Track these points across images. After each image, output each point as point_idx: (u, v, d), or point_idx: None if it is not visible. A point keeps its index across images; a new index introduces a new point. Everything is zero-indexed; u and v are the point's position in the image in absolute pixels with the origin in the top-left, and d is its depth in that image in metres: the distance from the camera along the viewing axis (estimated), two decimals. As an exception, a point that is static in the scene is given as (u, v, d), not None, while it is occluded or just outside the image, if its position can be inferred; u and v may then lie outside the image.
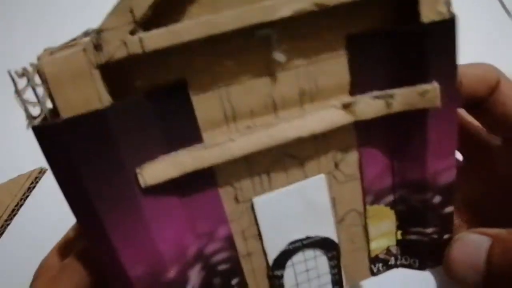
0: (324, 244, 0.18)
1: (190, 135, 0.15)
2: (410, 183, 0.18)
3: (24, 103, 0.13)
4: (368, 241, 0.19)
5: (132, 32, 0.13)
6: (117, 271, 0.15)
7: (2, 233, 0.37)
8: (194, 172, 0.15)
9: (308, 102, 0.16)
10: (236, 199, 0.17)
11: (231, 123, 0.15)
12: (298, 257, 0.18)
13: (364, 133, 0.17)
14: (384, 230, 0.19)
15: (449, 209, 0.18)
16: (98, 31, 0.12)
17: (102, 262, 0.15)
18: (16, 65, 0.13)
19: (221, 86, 0.15)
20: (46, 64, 0.12)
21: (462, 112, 0.23)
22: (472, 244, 0.18)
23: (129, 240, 0.15)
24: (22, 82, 0.13)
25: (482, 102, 0.21)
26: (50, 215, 0.35)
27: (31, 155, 0.38)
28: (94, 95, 0.13)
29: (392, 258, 0.20)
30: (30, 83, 0.13)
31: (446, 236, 0.19)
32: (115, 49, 0.13)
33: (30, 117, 0.13)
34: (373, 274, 0.20)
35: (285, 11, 0.13)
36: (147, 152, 0.14)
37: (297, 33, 0.15)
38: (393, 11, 0.15)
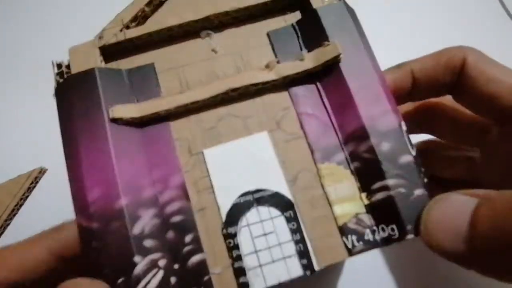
0: (278, 202, 0.19)
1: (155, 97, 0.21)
2: (352, 135, 0.20)
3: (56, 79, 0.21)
4: (330, 206, 0.19)
5: (121, 30, 0.21)
6: (80, 192, 0.18)
7: (2, 233, 0.37)
8: (153, 120, 0.20)
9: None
10: (190, 151, 0.20)
11: (185, 90, 0.21)
12: (252, 215, 0.19)
13: (296, 93, 0.21)
14: (345, 193, 0.19)
15: (406, 157, 0.19)
16: (103, 30, 0.21)
17: (71, 186, 0.18)
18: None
19: (179, 67, 0.21)
20: (71, 48, 0.21)
21: (453, 103, 0.22)
22: (455, 204, 0.16)
23: (94, 165, 0.18)
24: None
25: (453, 88, 0.21)
26: (50, 215, 0.35)
27: (31, 155, 0.38)
28: (93, 61, 0.20)
29: (368, 231, 0.19)
30: (63, 69, 0.21)
31: (418, 192, 0.18)
32: (109, 38, 0.21)
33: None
34: (350, 252, 0.18)
35: (205, 13, 0.21)
36: (120, 103, 0.20)
37: (231, 32, 0.22)
38: (293, 11, 0.23)
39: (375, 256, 0.18)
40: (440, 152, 0.26)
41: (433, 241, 0.16)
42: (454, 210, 0.15)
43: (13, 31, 0.46)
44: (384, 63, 0.21)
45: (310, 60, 0.20)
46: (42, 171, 0.39)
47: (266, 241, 0.18)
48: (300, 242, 0.18)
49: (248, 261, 0.18)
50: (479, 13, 0.38)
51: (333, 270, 0.27)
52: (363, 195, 0.19)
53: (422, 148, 0.26)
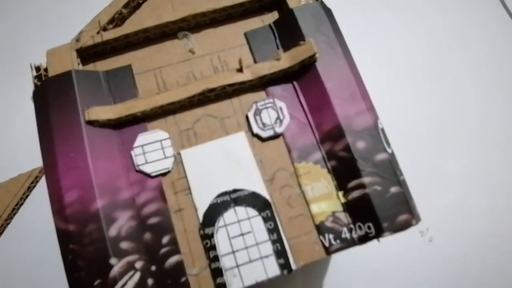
0: (255, 201, 0.19)
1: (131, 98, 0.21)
2: (329, 133, 0.20)
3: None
4: (307, 205, 0.19)
5: (98, 32, 0.21)
6: (56, 194, 0.18)
7: (2, 232, 0.37)
8: (129, 121, 0.20)
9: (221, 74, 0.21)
10: None
11: (162, 91, 0.21)
12: (230, 216, 0.19)
13: (273, 93, 0.21)
14: (322, 192, 0.19)
15: (382, 155, 0.19)
16: (80, 32, 0.21)
17: (48, 187, 0.19)
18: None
19: (156, 68, 0.21)
20: (49, 50, 0.21)
21: None
22: None
23: (71, 167, 0.18)
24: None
25: None
26: (50, 214, 0.36)
27: (31, 155, 0.39)
28: (70, 64, 0.20)
29: (345, 229, 0.19)
30: (41, 72, 0.21)
31: (394, 189, 0.18)
32: (86, 40, 0.21)
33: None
34: (327, 250, 0.18)
35: (182, 14, 0.21)
36: (97, 105, 0.20)
37: (209, 33, 0.22)
38: (271, 11, 0.23)
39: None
40: None
41: None
42: None
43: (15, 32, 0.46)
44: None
45: (286, 59, 0.20)
46: (42, 171, 0.40)
47: (243, 241, 0.18)
48: (277, 241, 0.18)
49: (225, 262, 0.18)
50: (479, 13, 0.38)
51: (318, 269, 0.26)
52: (340, 193, 0.19)
53: None
